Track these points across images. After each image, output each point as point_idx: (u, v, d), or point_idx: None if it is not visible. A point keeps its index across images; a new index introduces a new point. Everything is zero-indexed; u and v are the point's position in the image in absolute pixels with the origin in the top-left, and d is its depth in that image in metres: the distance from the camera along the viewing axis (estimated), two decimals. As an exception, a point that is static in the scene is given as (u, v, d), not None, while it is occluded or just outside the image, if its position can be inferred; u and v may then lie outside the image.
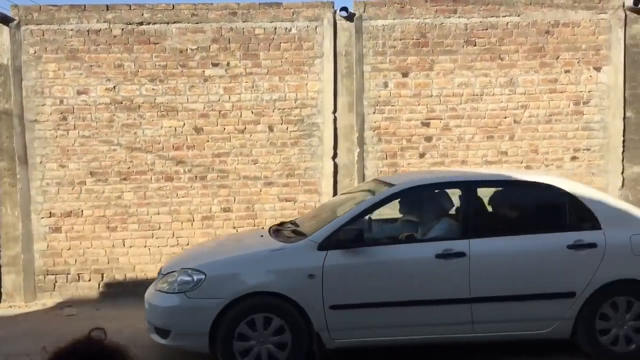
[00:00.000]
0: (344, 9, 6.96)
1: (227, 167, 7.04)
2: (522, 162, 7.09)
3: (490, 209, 5.00)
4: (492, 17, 7.04)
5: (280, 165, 7.06)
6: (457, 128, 7.08)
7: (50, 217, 6.98)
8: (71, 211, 6.99)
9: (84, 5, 6.95)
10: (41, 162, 6.97)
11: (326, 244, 4.42)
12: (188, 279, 4.47)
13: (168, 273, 4.69)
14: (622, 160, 7.10)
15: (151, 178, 7.02)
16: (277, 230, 5.12)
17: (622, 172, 7.11)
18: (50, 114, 6.95)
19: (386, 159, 7.09)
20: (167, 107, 7.00)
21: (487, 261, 4.46)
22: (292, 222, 5.40)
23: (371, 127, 7.08)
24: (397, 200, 5.04)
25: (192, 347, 4.52)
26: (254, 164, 7.04)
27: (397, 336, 4.45)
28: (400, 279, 4.45)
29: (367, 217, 5.07)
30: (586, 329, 4.46)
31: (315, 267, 4.37)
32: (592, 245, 4.47)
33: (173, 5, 6.97)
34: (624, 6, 7.04)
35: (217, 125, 7.02)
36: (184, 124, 7.01)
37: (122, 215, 7.01)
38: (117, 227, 7.00)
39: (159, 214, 7.01)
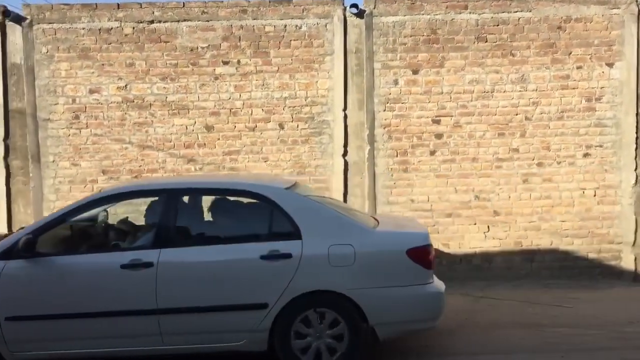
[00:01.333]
0: (354, 5, 6.95)
1: (237, 165, 7.07)
2: (533, 159, 7.05)
3: (190, 217, 4.77)
4: (503, 12, 7.00)
5: (290, 163, 7.07)
6: (468, 125, 7.05)
7: (63, 214, 7.05)
8: (84, 209, 7.04)
9: (96, 4, 6.99)
10: (54, 160, 7.04)
11: (8, 253, 4.28)
12: None
13: None
14: (635, 157, 7.04)
15: (162, 176, 7.06)
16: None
17: (636, 169, 7.05)
18: (63, 112, 7.02)
19: (397, 156, 7.08)
20: (178, 106, 7.03)
21: (175, 272, 4.31)
22: None
23: (381, 125, 7.07)
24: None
25: None
26: (265, 161, 7.07)
27: (81, 349, 4.31)
28: (82, 290, 4.30)
29: (86, 224, 4.88)
30: (280, 340, 4.33)
31: None
32: (287, 256, 4.31)
33: (184, 3, 6.99)
34: (637, 1, 6.97)
35: (227, 123, 7.05)
36: (195, 122, 7.04)
37: (134, 212, 7.06)
38: (129, 224, 7.05)
39: (170, 211, 7.05)
